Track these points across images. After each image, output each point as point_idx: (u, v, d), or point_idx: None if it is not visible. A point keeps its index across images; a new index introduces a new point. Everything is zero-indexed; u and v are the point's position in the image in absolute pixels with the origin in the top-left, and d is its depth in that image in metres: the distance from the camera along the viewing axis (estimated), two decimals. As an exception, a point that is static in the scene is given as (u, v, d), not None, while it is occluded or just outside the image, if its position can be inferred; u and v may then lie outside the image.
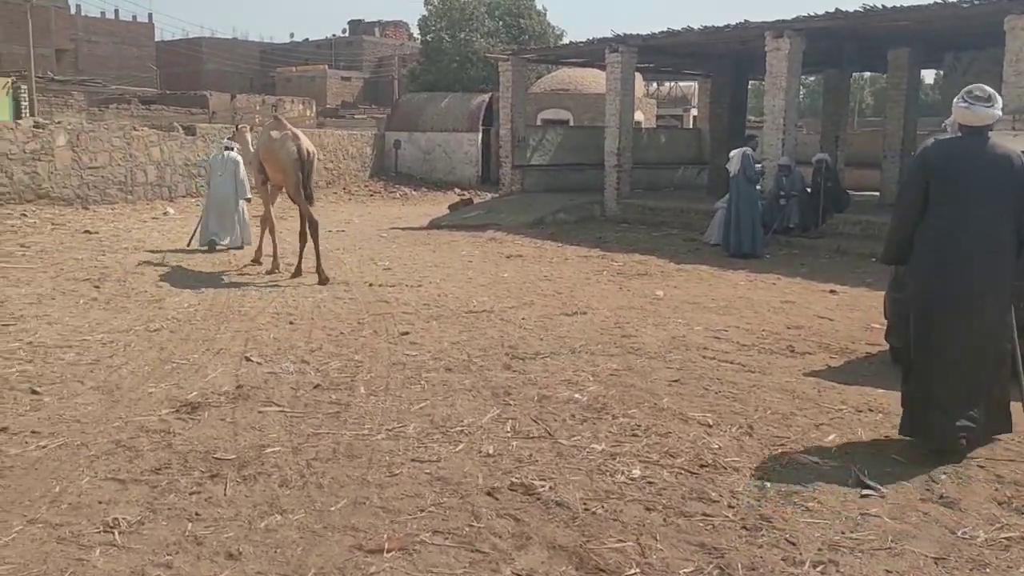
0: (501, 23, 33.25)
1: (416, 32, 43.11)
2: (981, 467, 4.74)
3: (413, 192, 26.69)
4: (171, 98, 29.69)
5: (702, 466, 4.71)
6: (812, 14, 14.12)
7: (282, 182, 11.23)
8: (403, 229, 17.17)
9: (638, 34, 16.65)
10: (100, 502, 4.16)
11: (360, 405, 5.75)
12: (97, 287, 9.92)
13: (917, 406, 4.99)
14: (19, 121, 17.20)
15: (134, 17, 55.59)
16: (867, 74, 37.00)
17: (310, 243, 10.85)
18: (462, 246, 14.59)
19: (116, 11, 54.97)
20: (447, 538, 3.84)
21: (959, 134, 5.09)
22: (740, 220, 13.27)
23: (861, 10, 13.44)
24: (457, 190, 26.87)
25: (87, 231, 14.44)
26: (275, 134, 11.04)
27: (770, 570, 3.58)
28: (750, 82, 21.89)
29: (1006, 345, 5.03)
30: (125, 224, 15.84)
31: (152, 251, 12.83)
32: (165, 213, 17.92)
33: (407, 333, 7.93)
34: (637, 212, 17.43)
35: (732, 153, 13.51)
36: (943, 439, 4.86)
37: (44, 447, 4.87)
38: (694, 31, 15.74)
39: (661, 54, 18.82)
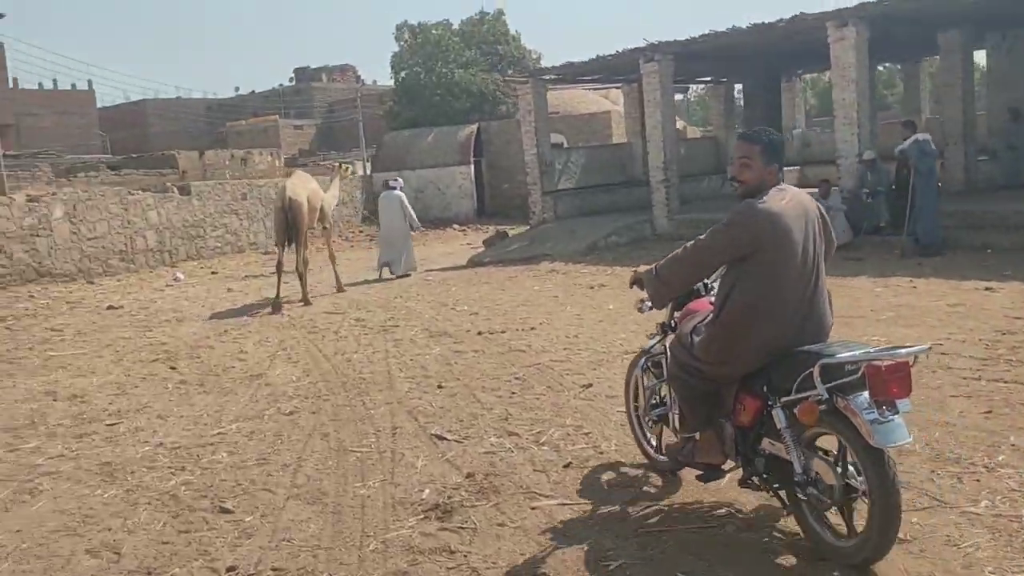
0: (478, 51, 32.17)
1: (368, 73, 42.12)
2: None
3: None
4: (137, 161, 27.89)
5: None
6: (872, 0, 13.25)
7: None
8: (442, 270, 15.89)
9: (675, 40, 15.68)
10: None
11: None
12: (173, 368, 8.53)
13: None
14: (13, 197, 15.54)
15: (73, 86, 53.09)
16: (808, 76, 34.86)
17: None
18: (527, 281, 13.36)
19: (54, 81, 52.58)
20: None
21: None
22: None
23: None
24: (456, 226, 25.70)
25: (111, 307, 12.90)
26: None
27: None
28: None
29: None
30: (142, 295, 14.31)
31: (212, 318, 11.40)
32: (176, 279, 16.38)
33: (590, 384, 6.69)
34: (691, 227, 16.28)
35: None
36: None
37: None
38: (742, 30, 14.72)
39: (695, 60, 17.72)
